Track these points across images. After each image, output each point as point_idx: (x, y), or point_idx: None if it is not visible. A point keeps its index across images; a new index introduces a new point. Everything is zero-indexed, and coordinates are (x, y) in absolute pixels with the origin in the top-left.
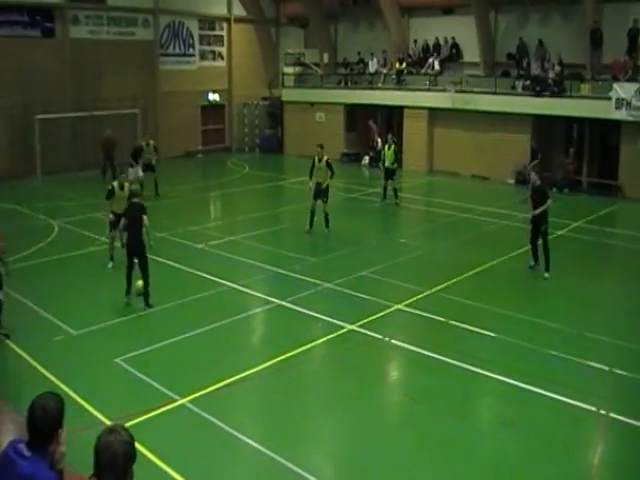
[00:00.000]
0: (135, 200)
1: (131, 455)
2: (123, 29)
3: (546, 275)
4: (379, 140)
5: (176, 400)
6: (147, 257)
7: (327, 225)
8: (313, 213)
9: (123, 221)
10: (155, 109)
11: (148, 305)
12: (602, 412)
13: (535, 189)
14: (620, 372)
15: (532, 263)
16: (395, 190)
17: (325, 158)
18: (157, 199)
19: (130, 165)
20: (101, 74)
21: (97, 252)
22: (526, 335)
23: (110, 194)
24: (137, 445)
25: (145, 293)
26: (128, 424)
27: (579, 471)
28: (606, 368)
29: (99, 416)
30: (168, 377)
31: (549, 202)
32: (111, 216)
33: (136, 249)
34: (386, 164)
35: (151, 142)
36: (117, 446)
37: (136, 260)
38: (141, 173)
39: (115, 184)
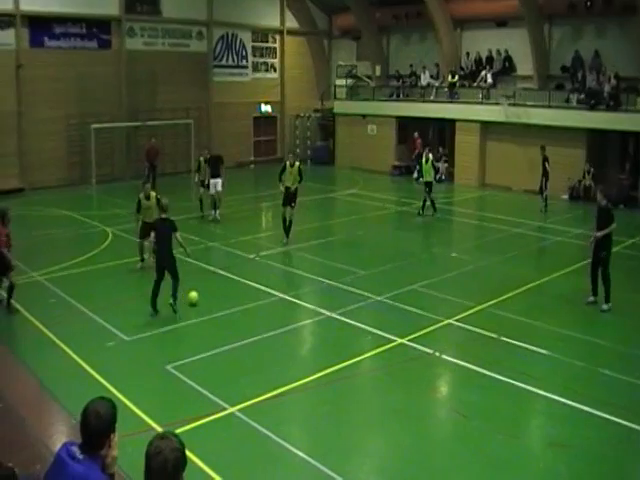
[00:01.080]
0: (164, 216)
1: (181, 462)
2: (178, 40)
3: (604, 307)
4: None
5: (226, 409)
6: (177, 271)
7: (287, 234)
8: (285, 220)
9: (153, 236)
10: (208, 120)
11: (174, 310)
12: None
13: (599, 209)
14: None
15: (590, 298)
16: (432, 202)
17: (297, 164)
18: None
19: (213, 176)
20: (156, 85)
21: (149, 260)
22: (579, 354)
23: (139, 206)
24: (187, 452)
25: (174, 296)
26: (178, 431)
27: None
28: None
29: (149, 422)
30: (218, 385)
31: (613, 226)
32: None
33: (167, 264)
34: (426, 178)
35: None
36: (167, 452)
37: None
38: (220, 187)
39: (141, 195)
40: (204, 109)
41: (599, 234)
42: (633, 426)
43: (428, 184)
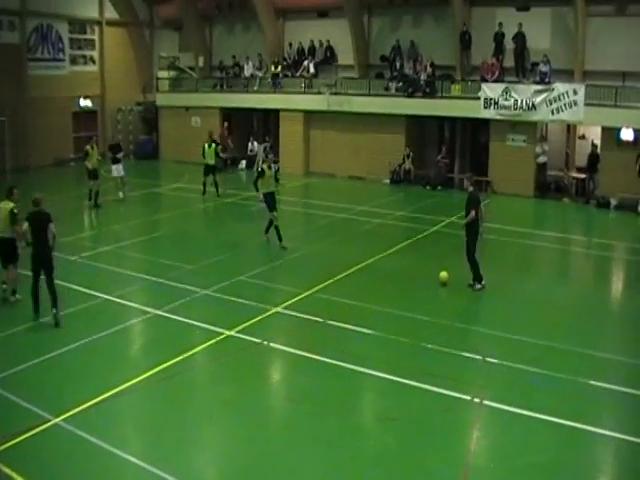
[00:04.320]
0: (38, 209)
1: None
2: None
3: (477, 286)
4: (255, 144)
5: (49, 420)
6: (53, 266)
7: (267, 232)
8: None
9: (26, 226)
10: (24, 116)
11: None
12: (476, 400)
13: (468, 196)
14: (492, 360)
15: (471, 282)
16: (216, 183)
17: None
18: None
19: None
20: None
21: None
22: (402, 330)
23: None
24: (8, 471)
25: (55, 306)
26: None
27: (457, 457)
28: (479, 357)
29: None
30: (40, 396)
31: (472, 214)
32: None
33: (44, 259)
34: (207, 161)
35: (95, 146)
36: None
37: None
38: (122, 171)
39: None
40: (19, 105)
41: (464, 222)
42: (456, 394)
43: (210, 167)
